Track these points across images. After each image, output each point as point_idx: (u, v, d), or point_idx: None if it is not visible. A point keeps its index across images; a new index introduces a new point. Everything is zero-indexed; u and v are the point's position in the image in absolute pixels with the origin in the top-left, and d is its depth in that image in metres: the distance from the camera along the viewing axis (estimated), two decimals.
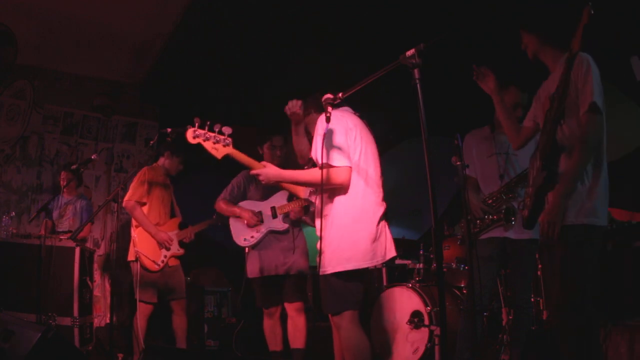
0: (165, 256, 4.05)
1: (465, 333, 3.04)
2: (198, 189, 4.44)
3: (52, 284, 3.89)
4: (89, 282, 4.31)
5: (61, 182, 4.98)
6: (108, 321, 4.27)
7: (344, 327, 2.49)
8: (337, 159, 2.47)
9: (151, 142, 4.09)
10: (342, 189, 2.52)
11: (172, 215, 4.27)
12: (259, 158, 3.08)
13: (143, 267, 3.96)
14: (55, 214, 4.89)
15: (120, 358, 4.17)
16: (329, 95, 2.32)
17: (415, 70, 1.88)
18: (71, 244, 4.08)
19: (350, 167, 2.50)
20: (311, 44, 4.89)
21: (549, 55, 2.41)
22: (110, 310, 3.26)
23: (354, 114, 2.73)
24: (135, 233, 3.99)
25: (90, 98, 6.20)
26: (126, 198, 4.00)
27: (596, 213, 2.20)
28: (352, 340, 2.47)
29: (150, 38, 5.42)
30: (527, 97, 3.12)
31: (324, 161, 2.44)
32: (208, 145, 2.47)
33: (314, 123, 2.67)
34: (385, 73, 2.04)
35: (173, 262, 4.13)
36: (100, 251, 5.95)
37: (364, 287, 2.59)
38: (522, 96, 3.13)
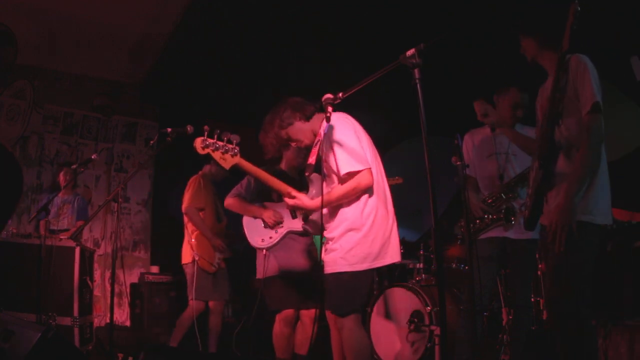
0: (219, 258, 4.29)
1: (465, 333, 3.04)
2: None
3: (52, 284, 3.89)
4: (89, 282, 4.31)
5: (60, 180, 5.00)
6: (108, 321, 4.27)
7: (348, 327, 2.48)
8: (359, 164, 2.47)
9: (151, 142, 4.14)
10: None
11: (219, 220, 4.44)
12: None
13: (200, 269, 4.18)
14: (52, 212, 4.89)
15: (120, 358, 4.17)
16: (329, 95, 2.31)
17: (415, 70, 1.88)
18: (71, 243, 4.08)
19: (370, 168, 2.49)
20: (311, 44, 4.89)
21: (547, 58, 2.39)
22: (111, 309, 3.25)
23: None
24: (194, 237, 4.22)
25: (90, 98, 6.20)
26: (185, 205, 4.21)
27: (592, 211, 2.19)
28: (354, 341, 2.47)
29: (150, 38, 5.43)
30: (527, 97, 3.12)
31: (348, 170, 2.45)
32: (217, 156, 2.41)
33: (302, 131, 2.65)
34: (385, 73, 2.04)
35: (222, 265, 4.35)
36: (101, 251, 5.95)
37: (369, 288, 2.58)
38: (523, 97, 3.13)
